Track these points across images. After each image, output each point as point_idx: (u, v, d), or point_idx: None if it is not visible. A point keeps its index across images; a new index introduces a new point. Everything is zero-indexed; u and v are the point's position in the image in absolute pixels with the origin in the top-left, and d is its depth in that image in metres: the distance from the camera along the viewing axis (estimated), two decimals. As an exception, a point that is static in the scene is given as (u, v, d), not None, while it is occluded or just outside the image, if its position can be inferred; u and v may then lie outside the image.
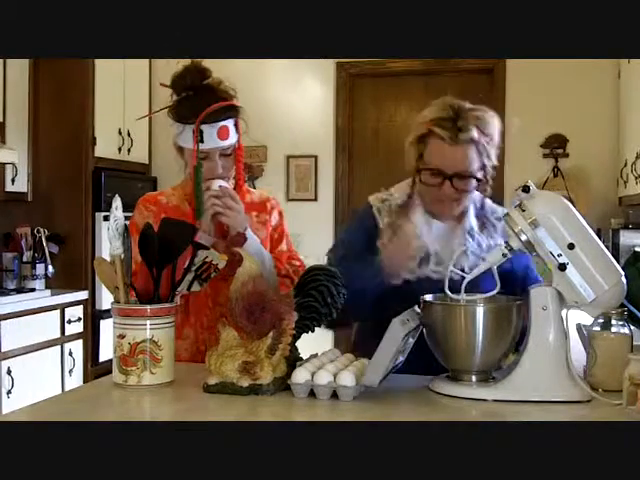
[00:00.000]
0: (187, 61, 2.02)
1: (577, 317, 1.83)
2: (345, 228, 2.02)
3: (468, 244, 1.91)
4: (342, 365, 1.68)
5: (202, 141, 1.97)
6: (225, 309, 2.01)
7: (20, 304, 3.91)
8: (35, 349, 3.98)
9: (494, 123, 1.88)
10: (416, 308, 1.72)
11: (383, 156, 4.91)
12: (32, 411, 1.56)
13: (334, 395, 1.59)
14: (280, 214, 2.19)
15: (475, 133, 1.82)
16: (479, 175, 1.87)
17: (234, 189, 2.07)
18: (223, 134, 1.98)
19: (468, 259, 1.89)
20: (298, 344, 2.11)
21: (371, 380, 1.57)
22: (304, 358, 1.77)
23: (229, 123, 2.00)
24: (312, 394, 1.61)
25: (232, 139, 2.01)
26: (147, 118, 5.07)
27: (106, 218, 4.34)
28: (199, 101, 1.97)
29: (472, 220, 1.95)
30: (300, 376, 1.62)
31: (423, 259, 1.89)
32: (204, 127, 1.96)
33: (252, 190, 2.21)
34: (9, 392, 3.75)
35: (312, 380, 1.61)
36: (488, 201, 2.01)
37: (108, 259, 1.78)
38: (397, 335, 1.55)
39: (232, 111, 2.01)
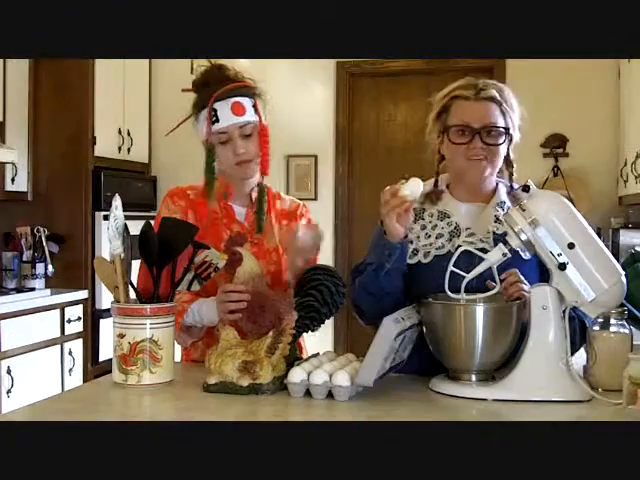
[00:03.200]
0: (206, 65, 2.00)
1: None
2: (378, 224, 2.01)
3: (499, 212, 1.88)
4: (340, 365, 1.68)
5: (218, 120, 1.94)
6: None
7: (20, 303, 3.90)
8: (35, 348, 3.97)
9: (511, 94, 1.90)
10: (416, 306, 1.73)
11: (383, 155, 4.91)
12: (32, 410, 1.56)
13: (331, 395, 1.59)
14: (309, 222, 2.14)
15: (496, 93, 1.86)
16: (506, 138, 1.86)
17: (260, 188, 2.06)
18: (237, 109, 1.94)
19: (499, 227, 1.86)
20: (308, 344, 2.12)
21: (365, 379, 1.57)
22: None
23: (244, 100, 1.96)
24: (309, 394, 1.61)
25: (249, 116, 1.96)
26: (147, 117, 5.08)
27: (106, 217, 4.34)
28: (214, 87, 1.95)
29: (503, 196, 1.93)
30: (296, 375, 1.62)
31: (454, 234, 1.88)
32: (217, 105, 1.93)
33: (283, 196, 2.16)
34: (9, 391, 3.75)
35: (308, 380, 1.61)
36: (516, 184, 1.97)
37: (108, 258, 1.78)
38: (389, 333, 1.54)
39: (246, 89, 1.98)
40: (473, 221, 1.89)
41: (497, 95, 1.85)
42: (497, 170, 1.91)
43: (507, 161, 1.92)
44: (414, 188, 1.71)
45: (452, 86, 1.91)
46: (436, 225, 1.90)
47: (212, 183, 1.98)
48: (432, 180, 1.97)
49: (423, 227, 1.91)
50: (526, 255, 1.80)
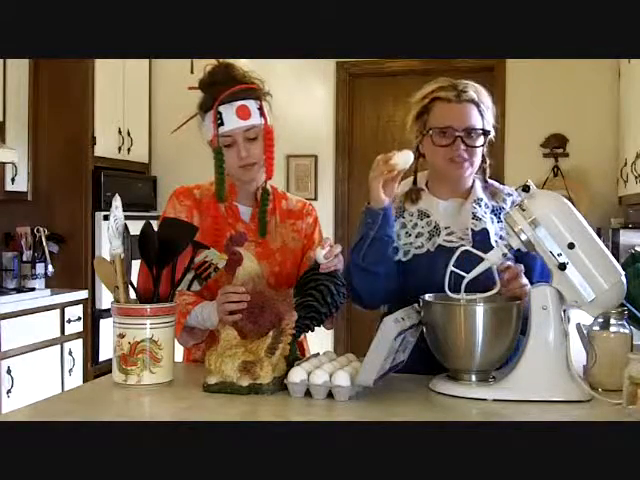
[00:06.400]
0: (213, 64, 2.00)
1: (577, 317, 1.83)
2: (359, 222, 2.02)
3: (476, 210, 1.94)
4: (340, 365, 1.68)
5: (223, 124, 1.94)
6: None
7: (20, 303, 3.90)
8: (35, 348, 3.97)
9: (486, 94, 1.96)
10: (415, 306, 1.73)
11: (383, 156, 4.90)
12: (32, 411, 1.56)
13: (331, 395, 1.59)
14: (315, 220, 2.14)
15: (475, 95, 1.91)
16: (484, 139, 1.92)
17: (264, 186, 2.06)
18: (243, 113, 1.93)
19: (476, 224, 1.92)
20: (311, 344, 2.12)
21: (365, 379, 1.57)
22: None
23: (249, 103, 1.95)
24: (309, 394, 1.61)
25: (255, 120, 1.96)
26: (147, 117, 5.08)
27: (106, 217, 4.34)
28: (219, 88, 1.94)
29: (479, 192, 1.98)
30: (296, 375, 1.61)
31: (434, 233, 1.93)
32: (222, 108, 1.93)
33: (289, 196, 2.15)
34: (9, 391, 3.75)
35: (308, 379, 1.61)
36: (492, 181, 2.04)
37: (108, 258, 1.78)
38: (389, 333, 1.54)
39: (251, 91, 1.98)
40: (452, 219, 1.95)
41: (476, 97, 1.92)
42: (476, 170, 1.97)
43: (482, 157, 1.97)
44: (405, 158, 1.80)
45: (431, 87, 1.95)
46: (416, 224, 1.95)
47: (223, 185, 1.97)
48: (411, 178, 2.01)
49: (403, 225, 1.96)
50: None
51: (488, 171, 2.02)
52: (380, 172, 1.80)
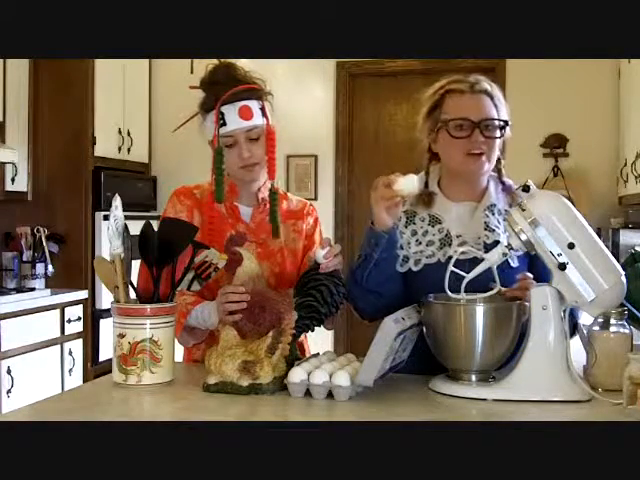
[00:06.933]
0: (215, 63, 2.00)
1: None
2: (364, 239, 1.98)
3: (489, 219, 1.87)
4: (340, 365, 1.68)
5: (225, 124, 1.93)
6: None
7: (20, 303, 3.90)
8: (35, 348, 3.98)
9: (499, 89, 1.91)
10: (416, 306, 1.72)
11: (383, 156, 4.91)
12: (32, 411, 1.56)
13: (331, 395, 1.59)
14: (315, 221, 2.14)
15: (488, 87, 1.87)
16: (502, 133, 1.87)
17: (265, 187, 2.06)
18: (245, 113, 1.93)
19: (489, 235, 1.86)
20: (311, 344, 2.12)
21: (364, 379, 1.57)
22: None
23: (251, 103, 1.95)
24: (309, 394, 1.61)
25: (257, 120, 1.96)
26: (147, 117, 5.08)
27: (106, 217, 4.34)
28: (221, 88, 1.94)
29: (493, 197, 1.92)
30: (296, 375, 1.61)
31: (445, 242, 1.87)
32: (224, 108, 1.93)
33: (290, 196, 2.15)
34: (9, 391, 3.75)
35: (308, 379, 1.60)
36: (508, 180, 1.98)
37: (108, 258, 1.78)
38: (389, 334, 1.54)
39: (254, 92, 1.98)
40: (464, 227, 1.89)
41: (489, 88, 1.87)
42: (492, 167, 1.91)
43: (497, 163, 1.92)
44: (408, 184, 1.72)
45: (443, 82, 1.90)
46: (427, 231, 1.89)
47: (221, 186, 1.97)
48: (422, 178, 1.94)
49: (414, 233, 1.90)
50: (514, 262, 1.81)
51: (504, 171, 1.96)
52: (382, 197, 1.73)
